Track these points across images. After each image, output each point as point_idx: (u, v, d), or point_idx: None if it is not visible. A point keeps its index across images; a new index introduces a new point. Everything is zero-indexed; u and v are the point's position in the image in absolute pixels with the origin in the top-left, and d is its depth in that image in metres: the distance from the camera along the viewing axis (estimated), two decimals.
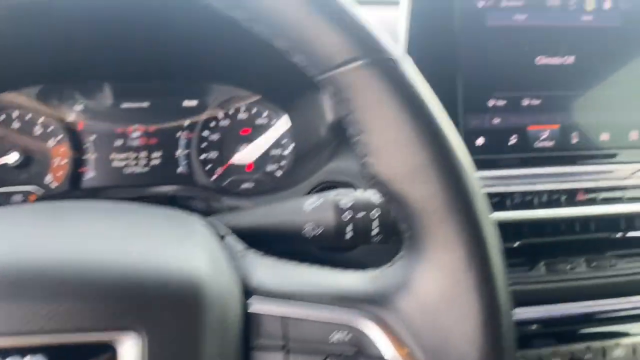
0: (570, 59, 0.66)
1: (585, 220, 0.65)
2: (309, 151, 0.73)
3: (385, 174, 0.32)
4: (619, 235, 0.65)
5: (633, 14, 0.67)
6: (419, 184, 0.32)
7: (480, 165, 0.63)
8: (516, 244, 0.63)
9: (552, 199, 0.62)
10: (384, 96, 0.32)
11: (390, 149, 0.32)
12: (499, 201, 0.61)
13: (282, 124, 0.76)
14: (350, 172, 0.64)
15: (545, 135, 0.65)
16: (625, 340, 0.64)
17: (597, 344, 0.63)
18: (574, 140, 0.65)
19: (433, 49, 0.63)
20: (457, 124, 0.63)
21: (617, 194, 0.64)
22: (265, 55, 0.63)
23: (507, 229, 0.63)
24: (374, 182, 0.33)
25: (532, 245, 0.63)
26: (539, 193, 0.62)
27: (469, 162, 0.33)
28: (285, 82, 0.70)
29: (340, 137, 0.69)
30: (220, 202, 0.67)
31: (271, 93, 0.75)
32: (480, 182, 0.33)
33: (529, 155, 0.64)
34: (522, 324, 0.61)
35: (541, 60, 0.65)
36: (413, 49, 0.62)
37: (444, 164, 0.32)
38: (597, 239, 0.65)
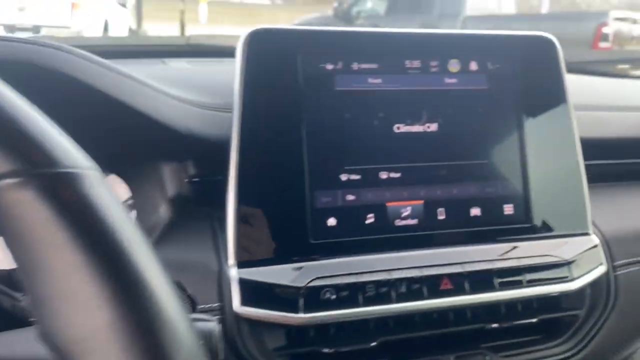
0: (433, 127, 0.58)
1: (454, 311, 0.56)
2: (149, 230, 0.62)
3: (58, 337, 0.23)
4: (494, 325, 0.57)
5: (502, 76, 0.61)
6: (99, 354, 0.22)
7: (332, 250, 0.54)
8: (373, 344, 0.53)
9: (413, 290, 0.53)
10: (49, 228, 0.23)
11: (60, 304, 0.23)
12: (350, 294, 0.52)
13: (123, 194, 0.66)
14: (179, 266, 0.53)
15: (407, 212, 0.57)
16: None
17: None
18: (440, 217, 0.58)
19: (274, 117, 0.54)
20: (303, 202, 0.54)
21: (489, 278, 0.56)
22: (100, 122, 0.54)
23: (362, 327, 0.54)
24: (48, 346, 0.23)
25: (392, 344, 0.54)
26: (397, 282, 0.53)
27: (179, 317, 0.24)
28: (123, 150, 0.60)
29: (178, 218, 0.59)
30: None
31: (109, 162, 0.65)
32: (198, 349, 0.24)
33: (388, 236, 0.56)
34: None
35: (400, 128, 0.58)
36: (248, 117, 0.53)
37: (136, 328, 0.23)
38: (468, 331, 0.57)
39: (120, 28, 9.41)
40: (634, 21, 6.02)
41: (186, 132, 0.56)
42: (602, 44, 5.16)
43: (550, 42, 0.63)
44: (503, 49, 0.62)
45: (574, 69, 0.93)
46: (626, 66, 1.11)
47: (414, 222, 0.57)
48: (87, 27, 7.39)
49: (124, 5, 10.46)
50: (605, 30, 5.27)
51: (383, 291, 0.53)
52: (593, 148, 0.68)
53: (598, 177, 0.69)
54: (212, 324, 0.36)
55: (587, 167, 0.62)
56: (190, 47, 1.04)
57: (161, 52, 0.99)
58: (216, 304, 0.52)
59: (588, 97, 0.76)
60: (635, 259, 0.63)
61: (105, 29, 8.49)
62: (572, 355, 0.60)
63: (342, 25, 6.58)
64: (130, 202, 0.63)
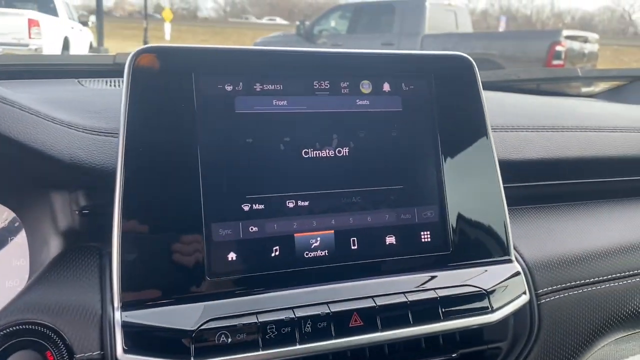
0: (344, 151, 0.55)
1: (369, 348, 0.52)
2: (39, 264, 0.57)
3: None
4: None
5: (417, 97, 0.58)
6: None
7: (230, 288, 0.50)
8: None
9: (319, 328, 0.49)
10: None
11: None
12: (249, 337, 0.47)
13: (17, 228, 0.60)
14: (59, 309, 0.48)
15: (316, 243, 0.53)
16: None
17: None
18: (353, 248, 0.54)
19: (164, 142, 0.50)
20: (199, 235, 0.49)
21: (403, 312, 0.52)
22: None
23: None
24: None
25: None
26: (301, 321, 0.49)
27: None
28: (12, 179, 0.55)
29: (68, 252, 0.54)
30: None
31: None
32: None
33: (295, 270, 0.52)
34: None
35: (308, 153, 0.54)
36: (134, 143, 0.49)
37: None
38: None
39: (81, 45, 9.22)
40: (585, 39, 6.25)
41: (69, 159, 0.51)
42: (555, 62, 5.33)
43: (466, 61, 0.61)
44: (417, 69, 0.59)
45: (498, 87, 0.92)
46: (557, 83, 1.11)
47: (323, 253, 0.53)
48: (46, 44, 7.21)
49: (85, 23, 10.27)
50: (558, 48, 5.44)
51: (286, 331, 0.48)
52: (515, 170, 0.65)
53: (520, 200, 0.67)
54: None
55: (508, 189, 0.60)
56: (118, 67, 0.99)
57: (83, 72, 0.94)
58: (97, 352, 0.46)
59: (511, 116, 0.74)
60: (559, 286, 0.61)
61: (66, 46, 8.30)
62: None
63: (304, 45, 6.60)
64: (15, 225, 0.58)
